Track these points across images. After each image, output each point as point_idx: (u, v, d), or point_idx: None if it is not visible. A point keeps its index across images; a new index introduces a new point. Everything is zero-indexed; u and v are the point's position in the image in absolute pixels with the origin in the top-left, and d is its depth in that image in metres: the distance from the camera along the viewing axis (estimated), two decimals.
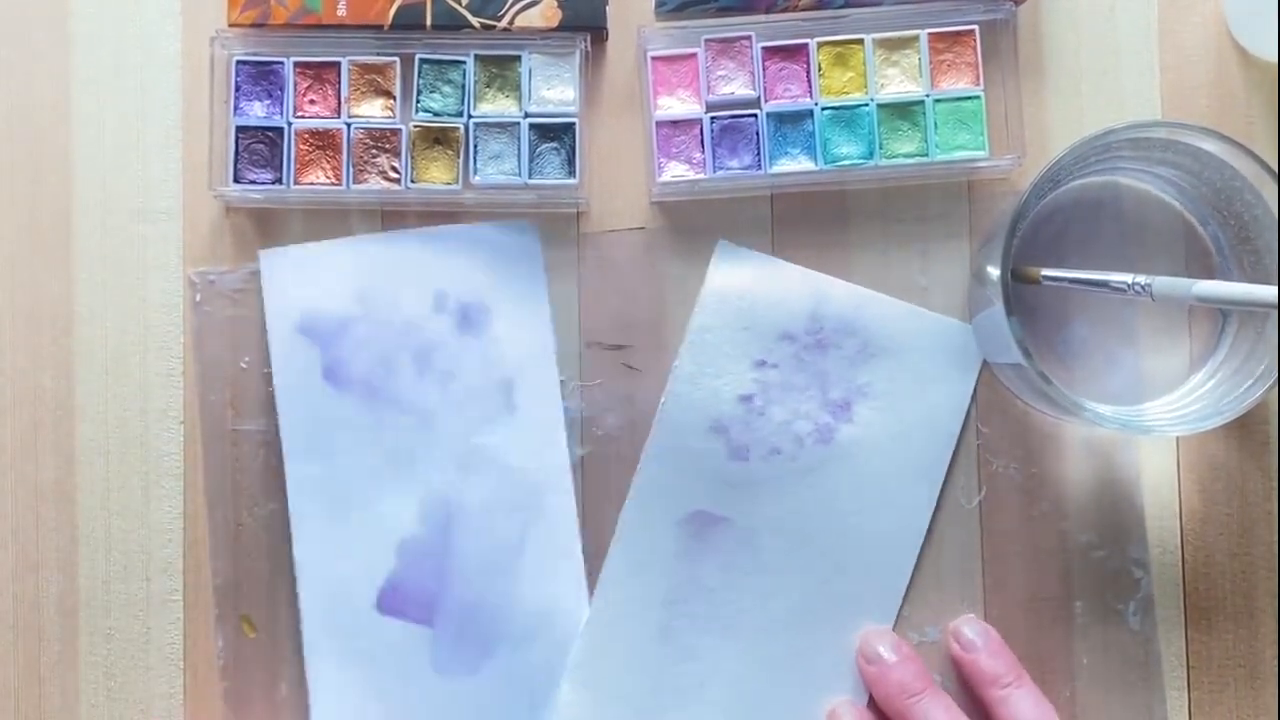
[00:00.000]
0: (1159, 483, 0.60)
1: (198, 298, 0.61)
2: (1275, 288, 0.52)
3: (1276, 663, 0.59)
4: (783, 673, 0.59)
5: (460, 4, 0.60)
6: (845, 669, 0.59)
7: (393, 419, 0.60)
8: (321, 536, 0.59)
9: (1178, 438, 0.60)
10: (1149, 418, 0.57)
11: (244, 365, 0.60)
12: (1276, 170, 0.53)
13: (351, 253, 0.60)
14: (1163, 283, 0.54)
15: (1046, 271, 0.56)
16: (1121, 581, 0.59)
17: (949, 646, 0.59)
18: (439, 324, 0.60)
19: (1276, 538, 0.60)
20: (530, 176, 0.59)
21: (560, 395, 0.60)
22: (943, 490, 0.60)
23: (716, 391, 0.59)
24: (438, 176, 0.60)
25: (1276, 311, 0.52)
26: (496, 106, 0.60)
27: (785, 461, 0.59)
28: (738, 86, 0.60)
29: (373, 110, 0.60)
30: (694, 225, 0.61)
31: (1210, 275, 0.59)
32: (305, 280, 0.60)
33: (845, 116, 0.59)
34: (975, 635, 0.58)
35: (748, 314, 0.60)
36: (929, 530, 0.59)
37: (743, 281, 0.60)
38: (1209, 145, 0.54)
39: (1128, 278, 0.54)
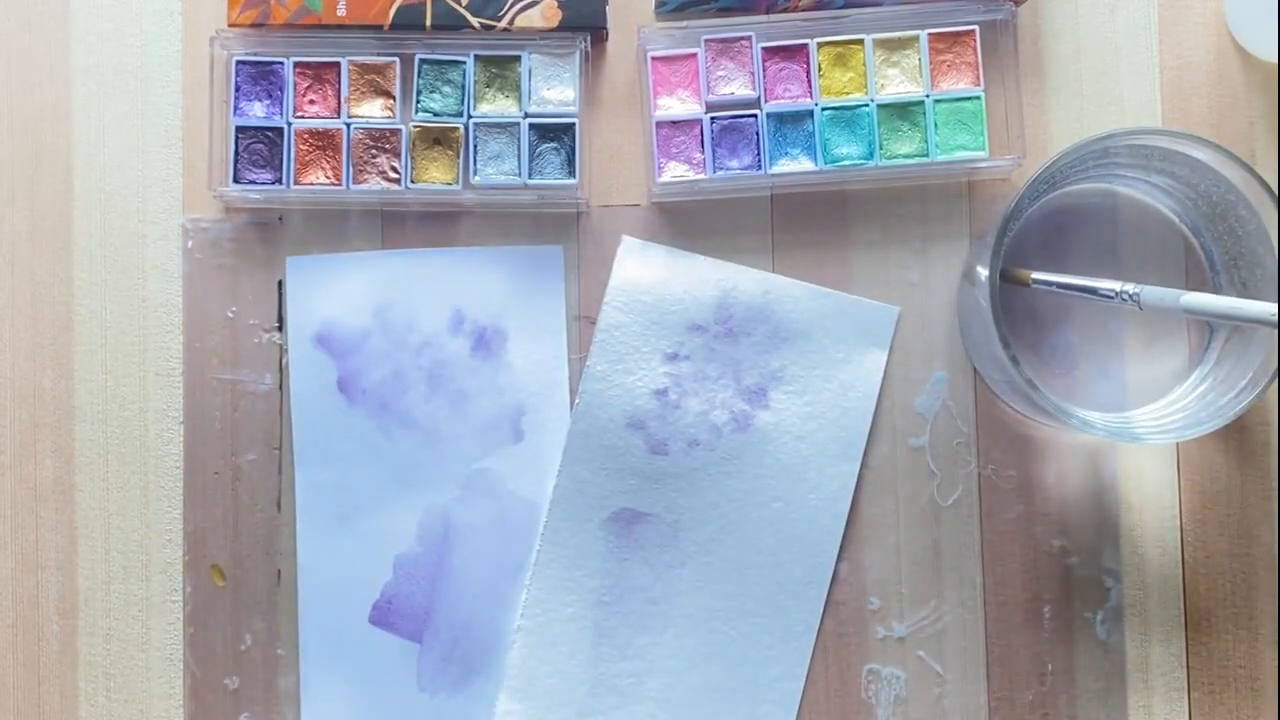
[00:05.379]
0: (1154, 485, 0.60)
1: (189, 244, 0.61)
2: (1261, 303, 0.51)
3: (1277, 663, 0.59)
4: (719, 663, 0.59)
5: (460, 4, 0.60)
6: (780, 654, 0.59)
7: (400, 435, 0.60)
8: (325, 543, 0.59)
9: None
10: (1136, 425, 0.57)
11: (230, 314, 0.60)
12: (1275, 185, 0.53)
13: (376, 266, 0.60)
14: (1151, 292, 0.53)
15: (1036, 275, 0.56)
16: (1091, 590, 0.59)
17: None
18: (454, 345, 0.60)
19: (1277, 538, 0.60)
20: (530, 177, 0.59)
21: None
22: (918, 487, 0.60)
23: (629, 388, 0.59)
24: (438, 176, 0.60)
25: (1262, 326, 0.52)
26: (496, 106, 0.60)
27: (705, 452, 0.59)
28: (738, 87, 0.60)
29: (372, 110, 0.60)
30: (694, 226, 0.61)
31: (1203, 289, 0.58)
32: (328, 291, 0.60)
33: (845, 117, 0.59)
34: None
35: (655, 308, 0.60)
36: (903, 526, 0.60)
37: (649, 276, 0.60)
38: (1205, 156, 0.54)
39: (1116, 285, 0.54)
